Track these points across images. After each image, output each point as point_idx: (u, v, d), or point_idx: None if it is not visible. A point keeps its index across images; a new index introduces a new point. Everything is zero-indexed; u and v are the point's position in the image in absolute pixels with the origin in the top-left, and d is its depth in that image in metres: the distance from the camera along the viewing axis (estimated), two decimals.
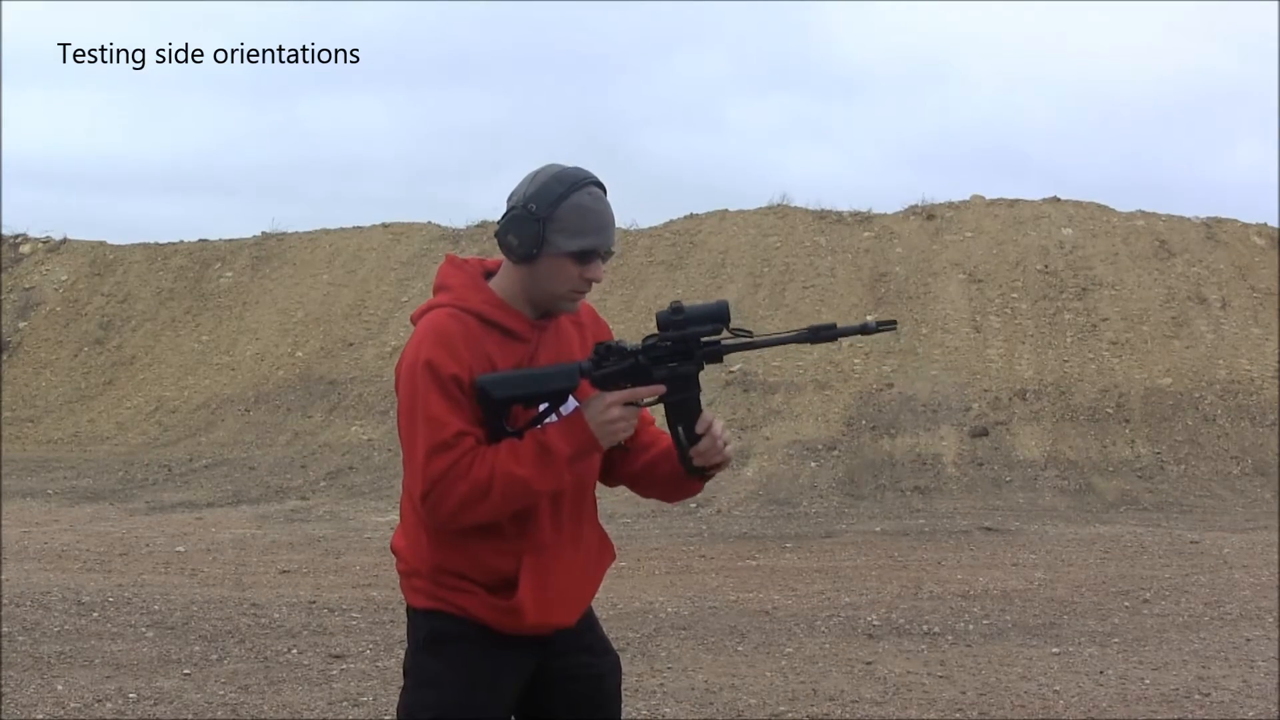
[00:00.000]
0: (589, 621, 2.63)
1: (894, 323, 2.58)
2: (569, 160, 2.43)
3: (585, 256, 2.38)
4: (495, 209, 2.45)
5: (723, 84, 54.67)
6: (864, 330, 2.45)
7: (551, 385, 2.35)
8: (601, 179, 2.43)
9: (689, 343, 2.38)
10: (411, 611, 2.55)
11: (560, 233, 2.36)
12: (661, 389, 2.37)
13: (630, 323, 17.48)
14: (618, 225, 2.48)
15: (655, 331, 2.40)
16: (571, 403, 2.42)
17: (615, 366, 2.36)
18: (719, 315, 2.38)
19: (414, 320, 2.47)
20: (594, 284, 2.42)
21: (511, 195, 2.42)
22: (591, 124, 50.97)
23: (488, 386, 2.32)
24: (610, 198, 2.44)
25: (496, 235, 2.43)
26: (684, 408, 2.40)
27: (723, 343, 2.41)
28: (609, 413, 2.34)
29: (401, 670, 2.63)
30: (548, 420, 2.39)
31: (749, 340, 2.42)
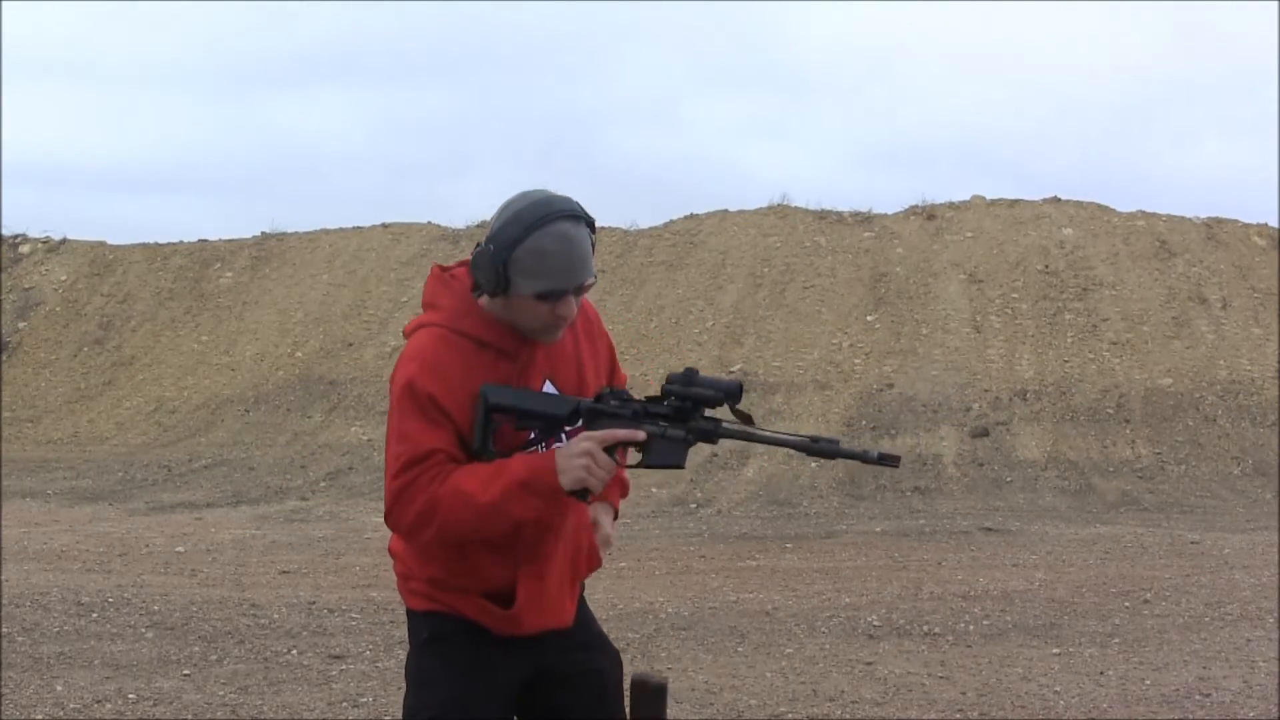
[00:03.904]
0: (583, 618, 2.62)
1: (897, 459, 2.47)
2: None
3: (551, 296, 2.32)
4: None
5: (688, 82, 54.62)
6: (864, 458, 2.39)
7: (543, 407, 2.34)
8: (573, 188, 2.39)
9: (688, 408, 2.36)
10: (410, 614, 2.55)
11: (520, 275, 2.29)
12: (641, 436, 2.34)
13: (630, 323, 17.48)
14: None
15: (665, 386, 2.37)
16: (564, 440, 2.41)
17: (611, 409, 2.36)
18: (729, 392, 2.36)
19: (406, 334, 2.44)
20: (567, 319, 2.35)
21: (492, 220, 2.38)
22: (559, 121, 51.00)
23: (486, 391, 2.33)
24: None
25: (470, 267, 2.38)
26: (660, 470, 2.41)
27: (723, 425, 2.38)
28: (579, 445, 2.29)
29: (403, 673, 2.63)
30: (531, 449, 2.38)
31: (746, 430, 2.39)
